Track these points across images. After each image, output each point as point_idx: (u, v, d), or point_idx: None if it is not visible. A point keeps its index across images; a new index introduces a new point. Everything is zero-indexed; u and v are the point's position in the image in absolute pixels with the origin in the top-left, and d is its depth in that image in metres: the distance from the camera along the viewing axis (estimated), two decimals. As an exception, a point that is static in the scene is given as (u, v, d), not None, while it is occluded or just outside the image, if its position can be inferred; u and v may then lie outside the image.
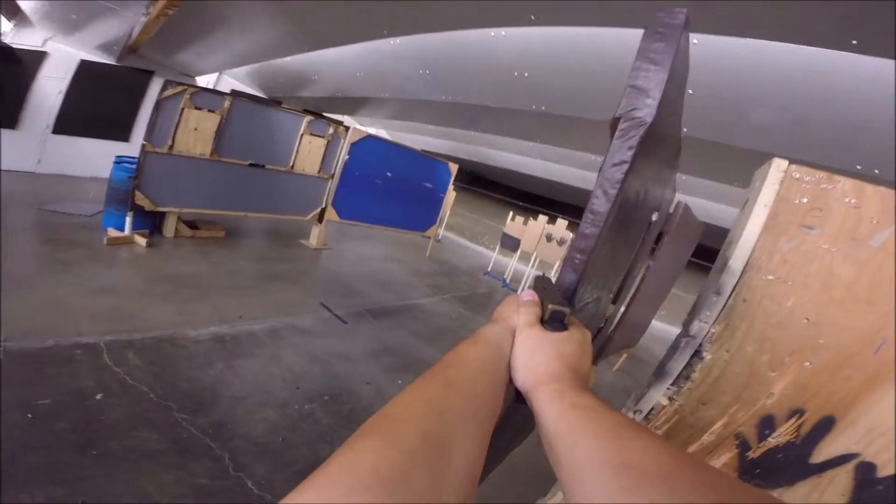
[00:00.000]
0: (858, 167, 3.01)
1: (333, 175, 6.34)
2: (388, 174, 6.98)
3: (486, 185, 13.52)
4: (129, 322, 3.07)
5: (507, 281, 8.01)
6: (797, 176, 0.63)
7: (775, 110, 2.91)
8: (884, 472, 0.50)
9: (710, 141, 3.72)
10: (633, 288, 1.78)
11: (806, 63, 2.28)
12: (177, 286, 3.83)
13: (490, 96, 5.05)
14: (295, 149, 5.81)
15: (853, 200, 0.60)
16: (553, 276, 7.54)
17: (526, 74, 3.92)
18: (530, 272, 7.73)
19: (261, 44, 5.66)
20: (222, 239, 5.44)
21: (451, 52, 4.08)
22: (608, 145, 0.56)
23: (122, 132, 7.40)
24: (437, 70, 4.80)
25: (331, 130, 6.10)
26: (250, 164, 5.39)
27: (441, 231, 10.30)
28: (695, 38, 2.43)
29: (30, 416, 2.03)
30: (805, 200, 0.61)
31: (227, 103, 4.88)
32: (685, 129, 3.89)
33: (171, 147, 4.57)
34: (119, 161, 4.74)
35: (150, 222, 4.82)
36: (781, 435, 0.55)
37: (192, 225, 5.24)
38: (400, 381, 3.37)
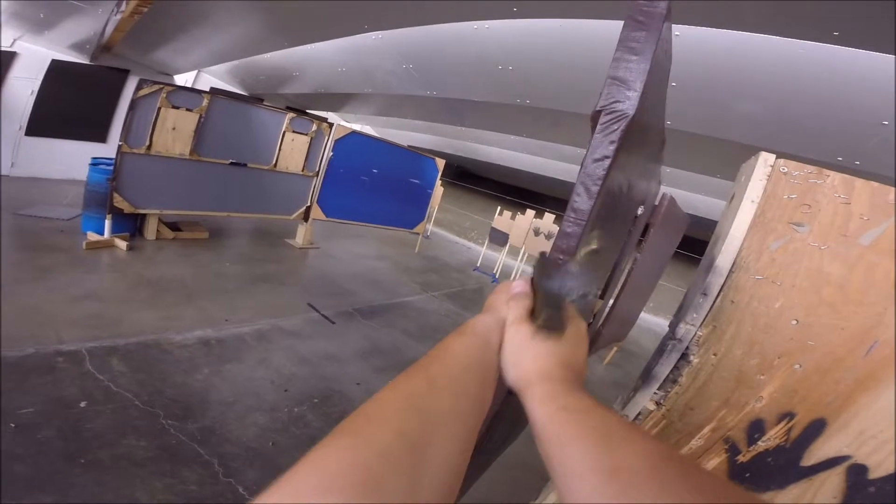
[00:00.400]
0: (840, 158, 3.07)
1: (318, 172, 6.26)
2: (375, 171, 6.91)
3: (473, 179, 13.51)
4: (111, 328, 3.00)
5: (497, 276, 8.03)
6: (785, 170, 0.61)
7: (758, 102, 2.94)
8: (876, 473, 0.49)
9: (693, 133, 3.75)
10: (621, 282, 1.79)
11: (788, 55, 2.30)
12: (160, 290, 3.75)
13: (475, 90, 5.02)
14: (277, 146, 5.70)
15: (842, 196, 0.57)
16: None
17: (510, 68, 3.89)
18: (519, 266, 7.76)
19: (239, 40, 5.54)
20: (206, 240, 5.34)
21: (434, 46, 4.03)
22: (589, 139, 0.54)
23: (98, 133, 7.19)
24: (420, 64, 4.75)
25: (314, 127, 6.00)
26: (231, 163, 5.28)
27: (429, 227, 10.27)
28: (677, 30, 2.44)
29: (13, 425, 1.99)
30: (793, 196, 0.59)
31: (205, 101, 4.77)
32: (668, 122, 3.92)
33: (149, 147, 4.46)
34: (96, 163, 4.60)
35: (131, 225, 4.70)
36: (771, 439, 0.53)
37: (174, 227, 5.13)
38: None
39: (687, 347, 0.59)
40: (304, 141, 5.96)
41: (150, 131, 4.41)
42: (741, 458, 0.55)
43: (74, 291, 3.33)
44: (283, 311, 4.02)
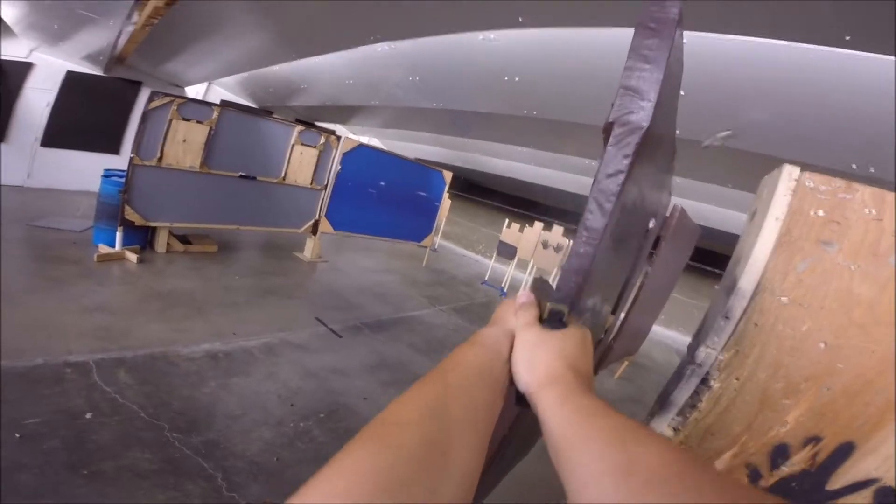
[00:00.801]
0: (854, 166, 3.03)
1: (326, 186, 6.32)
2: (382, 183, 6.97)
3: (480, 192, 13.54)
4: (119, 340, 3.03)
5: (505, 289, 7.99)
6: (811, 185, 0.57)
7: (768, 109, 2.92)
8: None
9: (700, 142, 3.74)
10: (632, 296, 1.77)
11: (798, 60, 2.27)
12: (169, 303, 3.78)
13: (481, 102, 5.06)
14: (286, 159, 5.78)
15: (873, 212, 0.54)
16: (552, 282, 7.52)
17: (516, 79, 3.92)
18: (528, 280, 7.72)
19: (250, 52, 5.65)
20: (215, 253, 5.40)
21: (441, 58, 4.08)
22: (602, 152, 0.52)
23: (111, 144, 7.35)
24: (427, 76, 4.81)
25: (322, 140, 6.09)
26: (241, 176, 5.36)
27: (437, 240, 10.29)
28: (685, 38, 2.43)
29: (17, 435, 2.00)
30: (821, 213, 0.56)
31: (215, 114, 4.87)
32: (678, 131, 3.92)
33: (160, 160, 4.54)
34: (108, 175, 4.70)
35: (142, 237, 4.77)
36: (796, 463, 0.52)
37: (184, 240, 5.20)
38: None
39: (707, 372, 0.57)
40: (312, 154, 6.04)
41: (161, 143, 4.50)
42: (763, 483, 0.52)
43: (84, 303, 3.37)
44: (290, 325, 4.03)
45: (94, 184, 4.64)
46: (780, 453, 0.52)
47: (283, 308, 4.42)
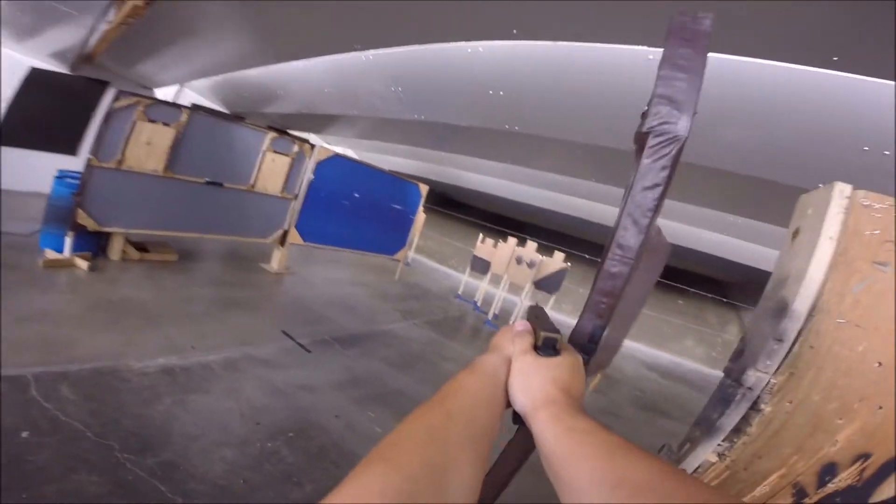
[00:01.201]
0: (821, 185, 3.21)
1: (297, 195, 6.20)
2: (356, 195, 6.90)
3: (455, 206, 13.65)
4: (62, 352, 2.81)
5: (479, 304, 8.00)
6: (866, 203, 0.57)
7: (746, 128, 3.06)
8: None
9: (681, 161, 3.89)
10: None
11: (779, 79, 2.40)
12: (121, 313, 3.56)
13: (463, 115, 5.12)
14: (257, 167, 5.65)
15: None
16: (526, 297, 7.60)
17: (501, 93, 3.98)
18: (501, 295, 7.76)
19: (225, 54, 5.55)
20: (175, 263, 5.16)
21: (425, 68, 4.10)
22: (635, 164, 0.51)
23: (69, 145, 6.99)
24: (409, 86, 4.83)
25: (296, 148, 5.99)
26: (207, 182, 5.19)
27: (411, 254, 10.24)
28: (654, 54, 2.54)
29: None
30: (876, 232, 0.54)
31: (184, 117, 4.72)
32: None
33: (121, 162, 4.34)
34: (62, 176, 4.44)
35: (94, 243, 4.51)
36: (842, 480, 0.52)
37: (141, 247, 4.95)
38: (372, 414, 3.22)
39: (758, 396, 0.56)
40: (284, 162, 5.93)
41: (123, 145, 4.31)
42: (808, 501, 0.52)
43: (24, 312, 3.12)
44: (255, 339, 3.87)
45: (48, 185, 4.37)
46: (828, 471, 0.52)
47: (247, 321, 4.24)
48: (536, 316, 0.59)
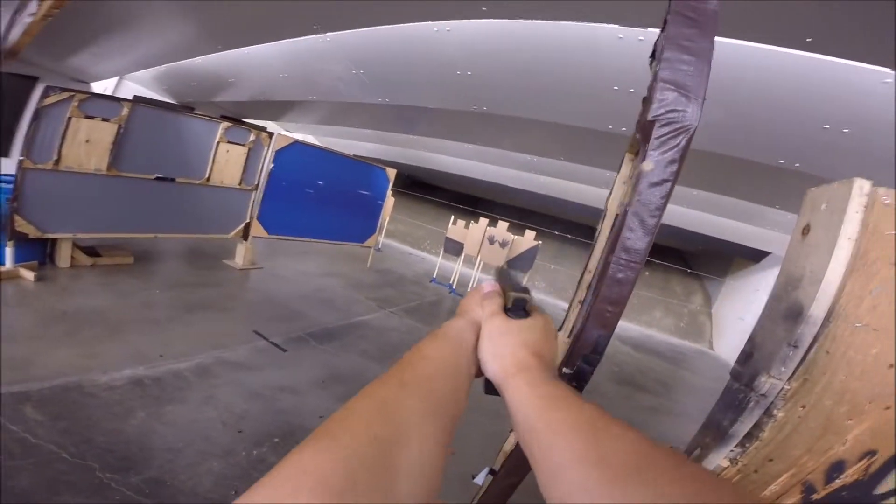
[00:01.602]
0: (781, 161, 3.39)
1: (257, 186, 6.01)
2: (320, 183, 6.76)
3: (424, 188, 13.57)
4: (20, 371, 2.68)
5: (454, 286, 8.08)
6: (887, 201, 0.53)
7: (708, 105, 3.17)
8: None
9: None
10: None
11: (740, 57, 2.48)
12: (78, 325, 3.41)
13: (430, 97, 5.05)
14: (210, 159, 5.43)
15: None
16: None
17: (469, 73, 3.94)
18: (476, 275, 7.87)
19: (168, 43, 5.21)
20: (131, 266, 4.94)
21: (389, 50, 4.00)
22: (640, 156, 0.46)
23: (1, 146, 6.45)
24: (372, 69, 4.70)
25: (252, 137, 5.78)
26: (157, 178, 4.95)
27: (381, 239, 10.16)
28: (640, 35, 2.58)
29: None
30: None
31: (125, 110, 4.45)
32: (624, 128, 4.16)
33: (58, 162, 4.07)
34: (-8, 180, 4.12)
35: (39, 251, 4.25)
36: (849, 476, 0.54)
37: (92, 252, 4.70)
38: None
39: (771, 402, 0.56)
40: (240, 152, 5.72)
41: (58, 144, 4.04)
42: (816, 496, 0.55)
43: (-31, 332, 2.94)
44: (226, 342, 3.79)
45: (-26, 191, 4.04)
46: (836, 469, 0.54)
47: (216, 323, 4.14)
48: (505, 276, 0.57)
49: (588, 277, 1.53)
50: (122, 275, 4.63)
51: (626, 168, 1.56)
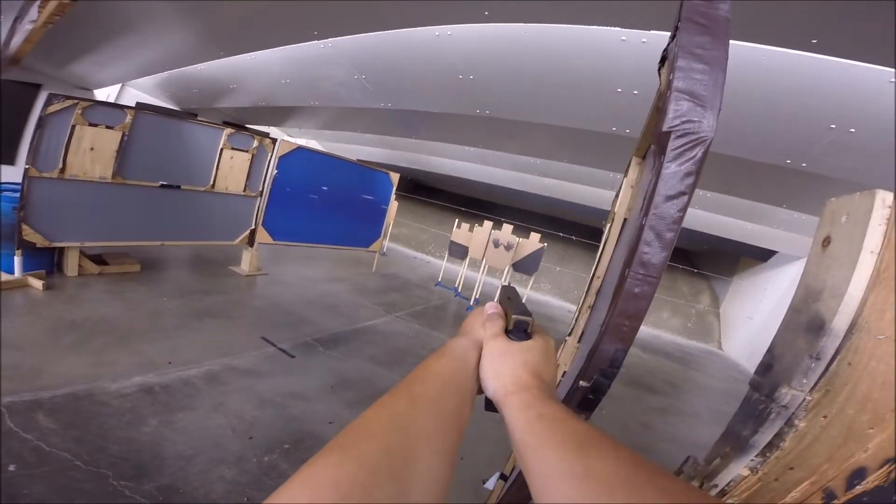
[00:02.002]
0: (788, 161, 3.41)
1: (262, 192, 6.07)
2: (325, 188, 6.81)
3: (427, 192, 13.62)
4: (31, 380, 2.72)
5: (459, 289, 8.10)
6: None
7: (723, 108, 3.19)
8: None
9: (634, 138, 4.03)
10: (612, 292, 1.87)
11: (746, 59, 2.50)
12: (87, 333, 3.45)
13: (433, 101, 5.09)
14: (215, 165, 5.49)
15: None
16: (505, 280, 7.75)
17: (471, 77, 3.98)
18: (481, 279, 7.88)
19: (170, 50, 5.28)
20: (138, 273, 4.99)
21: (391, 55, 4.04)
22: (657, 168, 0.46)
23: (6, 154, 6.55)
24: (374, 74, 4.75)
25: (255, 143, 5.84)
26: (162, 186, 5.00)
27: (386, 243, 10.20)
28: (644, 37, 2.61)
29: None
30: None
31: (128, 118, 4.51)
32: (614, 129, 4.18)
33: (63, 170, 4.13)
34: (1, 189, 4.18)
35: (47, 260, 4.31)
36: (870, 483, 0.54)
37: (100, 260, 4.76)
38: (365, 414, 3.26)
39: (793, 413, 0.57)
40: (244, 158, 5.78)
41: (63, 152, 4.10)
42: (836, 503, 0.55)
43: (-20, 341, 2.98)
44: (234, 349, 3.82)
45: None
46: (857, 476, 0.55)
47: (224, 330, 4.18)
48: (508, 297, 0.59)
49: (597, 283, 1.54)
50: (129, 283, 4.68)
51: (633, 172, 1.58)
